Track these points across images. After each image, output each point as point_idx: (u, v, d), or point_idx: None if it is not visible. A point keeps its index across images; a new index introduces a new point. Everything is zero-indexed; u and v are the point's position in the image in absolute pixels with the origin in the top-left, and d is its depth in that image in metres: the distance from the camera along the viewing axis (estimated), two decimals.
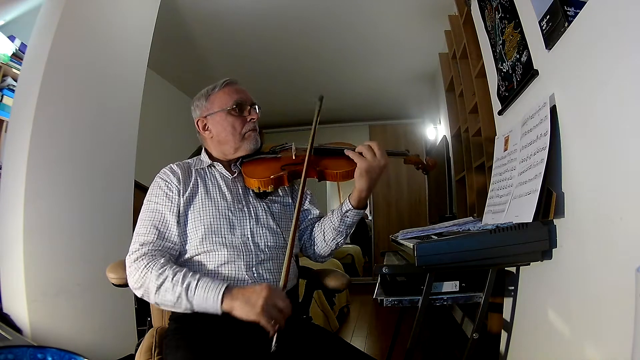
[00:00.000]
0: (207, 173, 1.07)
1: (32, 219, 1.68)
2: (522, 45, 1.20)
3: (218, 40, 3.20)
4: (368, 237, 5.38)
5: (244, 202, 1.04)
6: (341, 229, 1.07)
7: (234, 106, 1.05)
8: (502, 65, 1.39)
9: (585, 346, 0.86)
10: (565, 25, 0.93)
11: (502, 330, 1.31)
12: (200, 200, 1.00)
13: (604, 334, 0.80)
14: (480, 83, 2.02)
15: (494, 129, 1.59)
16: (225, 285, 0.85)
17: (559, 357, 0.97)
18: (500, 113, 1.44)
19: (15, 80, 2.28)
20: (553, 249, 1.02)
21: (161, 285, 0.87)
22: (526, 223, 1.00)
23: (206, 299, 0.84)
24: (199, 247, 0.95)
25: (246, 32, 3.04)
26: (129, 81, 2.24)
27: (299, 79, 4.00)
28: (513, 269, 1.25)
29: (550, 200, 0.98)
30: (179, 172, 1.03)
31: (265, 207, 1.05)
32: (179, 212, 0.98)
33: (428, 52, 3.34)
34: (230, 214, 1.00)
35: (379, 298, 1.18)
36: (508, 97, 1.34)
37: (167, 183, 1.00)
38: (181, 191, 1.00)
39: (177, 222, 0.97)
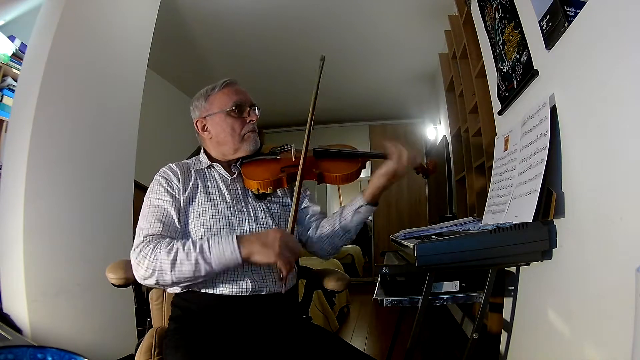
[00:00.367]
0: (207, 174, 1.07)
1: (32, 219, 1.68)
2: (522, 45, 1.20)
3: (218, 40, 3.20)
4: (368, 237, 5.38)
5: (243, 202, 1.04)
6: (351, 225, 1.08)
7: (234, 107, 1.05)
8: (502, 65, 1.39)
9: (585, 346, 0.86)
10: (565, 25, 0.93)
11: (502, 330, 1.31)
12: (200, 201, 1.00)
13: (604, 334, 0.80)
14: (480, 83, 2.02)
15: (494, 129, 1.59)
16: (235, 235, 0.87)
17: (559, 357, 0.97)
18: (500, 113, 1.44)
19: (15, 80, 2.28)
20: (553, 249, 1.02)
21: (175, 259, 0.86)
22: (526, 223, 1.00)
23: (224, 252, 0.85)
24: None
25: (246, 32, 3.04)
26: (129, 81, 2.24)
27: (299, 79, 4.00)
28: (513, 269, 1.25)
29: (550, 200, 0.98)
30: (179, 171, 1.03)
31: (264, 207, 1.05)
32: (180, 209, 0.98)
33: (428, 52, 3.34)
34: (229, 215, 1.00)
35: (379, 298, 1.18)
36: (508, 97, 1.34)
37: (167, 181, 1.00)
38: (181, 190, 1.00)
39: (178, 219, 0.97)
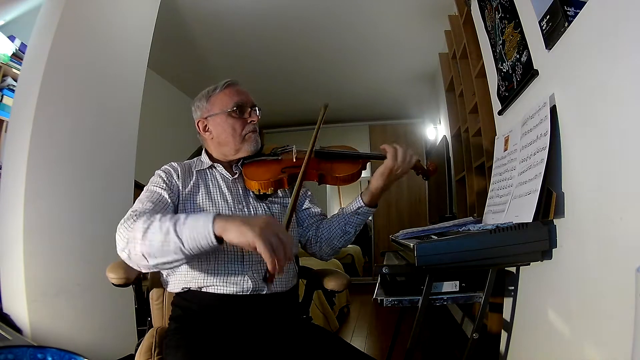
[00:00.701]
0: (208, 174, 1.07)
1: (32, 219, 1.68)
2: (522, 45, 1.20)
3: (218, 40, 3.20)
4: (368, 237, 5.38)
5: (244, 203, 1.04)
6: (351, 227, 1.08)
7: (235, 108, 1.05)
8: (502, 65, 1.39)
9: (585, 346, 0.86)
10: (565, 25, 0.93)
11: (502, 330, 1.31)
12: (201, 201, 1.00)
13: (604, 334, 0.80)
14: (480, 83, 2.02)
15: (494, 129, 1.59)
16: (217, 212, 0.81)
17: (559, 357, 0.97)
18: (500, 113, 1.44)
19: (15, 80, 2.28)
20: (553, 249, 1.02)
21: (148, 227, 0.78)
22: (526, 223, 1.00)
23: (196, 225, 0.74)
24: None
25: (246, 32, 3.04)
26: (129, 81, 2.24)
27: (299, 79, 4.00)
28: (513, 269, 1.25)
29: (550, 200, 0.98)
30: (179, 169, 1.04)
31: (265, 208, 1.06)
32: (177, 203, 0.98)
33: (428, 52, 3.34)
34: (230, 214, 1.00)
35: (379, 298, 1.18)
36: (508, 97, 1.34)
37: (167, 175, 1.01)
38: (180, 186, 1.00)
39: (174, 210, 0.96)
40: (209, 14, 2.79)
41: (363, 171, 1.11)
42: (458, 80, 2.59)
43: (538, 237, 1.01)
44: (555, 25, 0.97)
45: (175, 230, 0.75)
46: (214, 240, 0.74)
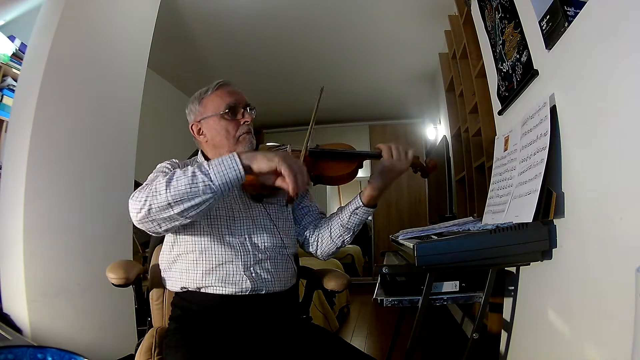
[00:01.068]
0: None
1: (32, 219, 1.68)
2: (522, 45, 1.20)
3: (218, 40, 3.20)
4: (368, 237, 5.38)
5: (240, 203, 1.04)
6: (349, 226, 1.07)
7: (227, 110, 1.03)
8: (502, 65, 1.39)
9: (585, 346, 0.86)
10: (565, 25, 0.93)
11: (502, 330, 1.31)
12: None
13: (604, 334, 0.80)
14: (480, 83, 2.02)
15: (494, 129, 1.59)
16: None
17: (559, 357, 0.97)
18: (500, 113, 1.44)
19: (15, 80, 2.28)
20: (553, 249, 1.02)
21: (171, 178, 0.80)
22: (526, 223, 1.00)
23: (222, 161, 0.80)
24: (197, 246, 0.95)
25: (246, 32, 3.04)
26: (129, 81, 2.24)
27: (299, 79, 4.00)
28: (513, 269, 1.25)
29: (550, 200, 0.98)
30: (180, 165, 1.04)
31: (262, 208, 1.05)
32: None
33: (428, 52, 3.34)
34: (227, 216, 1.00)
35: (379, 298, 1.18)
36: (508, 97, 1.34)
37: (172, 166, 1.01)
38: None
39: None
40: (209, 14, 2.79)
41: (360, 170, 1.10)
42: (458, 80, 2.59)
43: (538, 237, 1.01)
44: (555, 25, 0.97)
45: (202, 170, 0.80)
46: (242, 170, 0.80)
